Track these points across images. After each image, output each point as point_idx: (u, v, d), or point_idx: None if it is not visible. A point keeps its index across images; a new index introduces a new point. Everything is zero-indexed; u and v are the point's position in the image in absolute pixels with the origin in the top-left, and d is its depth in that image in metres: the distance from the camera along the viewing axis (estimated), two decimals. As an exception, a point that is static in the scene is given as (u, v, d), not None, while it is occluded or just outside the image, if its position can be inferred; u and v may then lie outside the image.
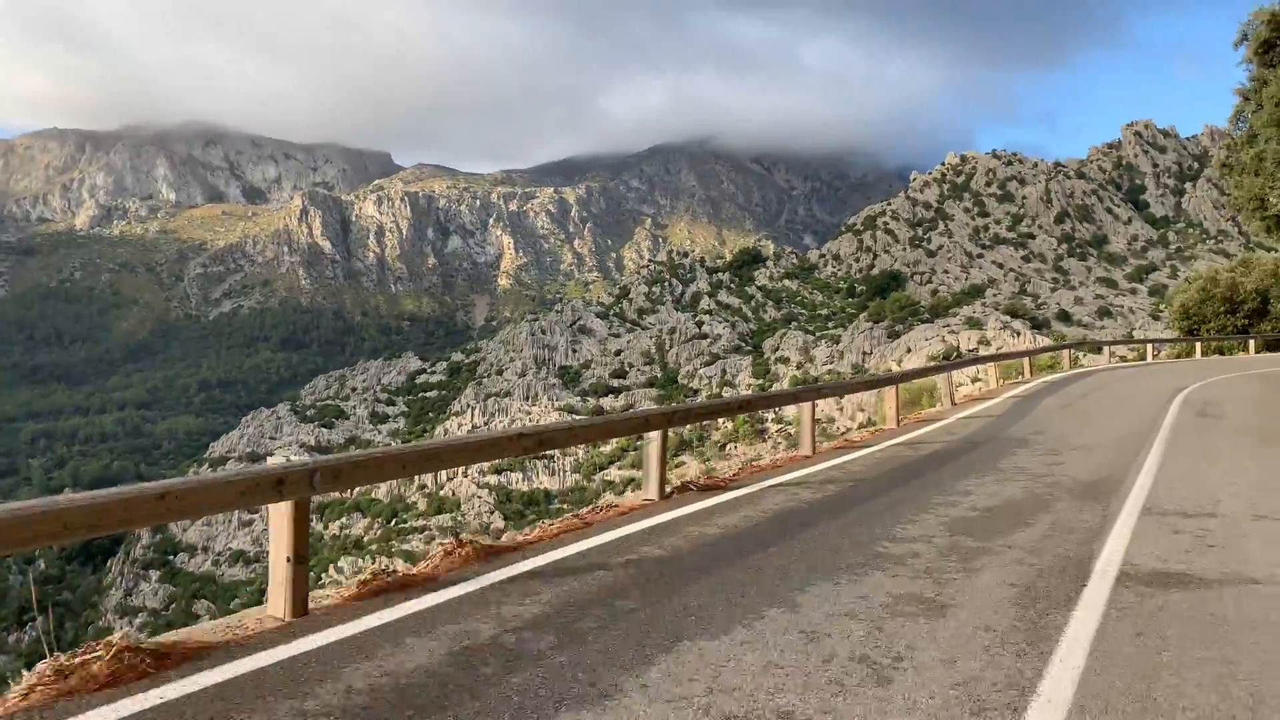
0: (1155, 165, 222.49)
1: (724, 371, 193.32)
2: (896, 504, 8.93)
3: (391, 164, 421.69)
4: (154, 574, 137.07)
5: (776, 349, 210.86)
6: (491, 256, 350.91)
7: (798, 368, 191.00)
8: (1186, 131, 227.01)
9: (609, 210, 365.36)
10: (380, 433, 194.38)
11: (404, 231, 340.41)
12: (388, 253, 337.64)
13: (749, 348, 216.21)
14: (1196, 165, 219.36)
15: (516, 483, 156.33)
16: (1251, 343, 39.66)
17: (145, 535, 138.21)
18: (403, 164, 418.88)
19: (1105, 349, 34.09)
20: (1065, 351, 29.99)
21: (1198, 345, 38.44)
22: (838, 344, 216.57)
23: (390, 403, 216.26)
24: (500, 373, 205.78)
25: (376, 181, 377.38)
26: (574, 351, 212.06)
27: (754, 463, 12.27)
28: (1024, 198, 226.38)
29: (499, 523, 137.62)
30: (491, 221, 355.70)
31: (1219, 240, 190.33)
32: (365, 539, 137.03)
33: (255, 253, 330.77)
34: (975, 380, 35.35)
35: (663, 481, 9.67)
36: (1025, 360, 26.50)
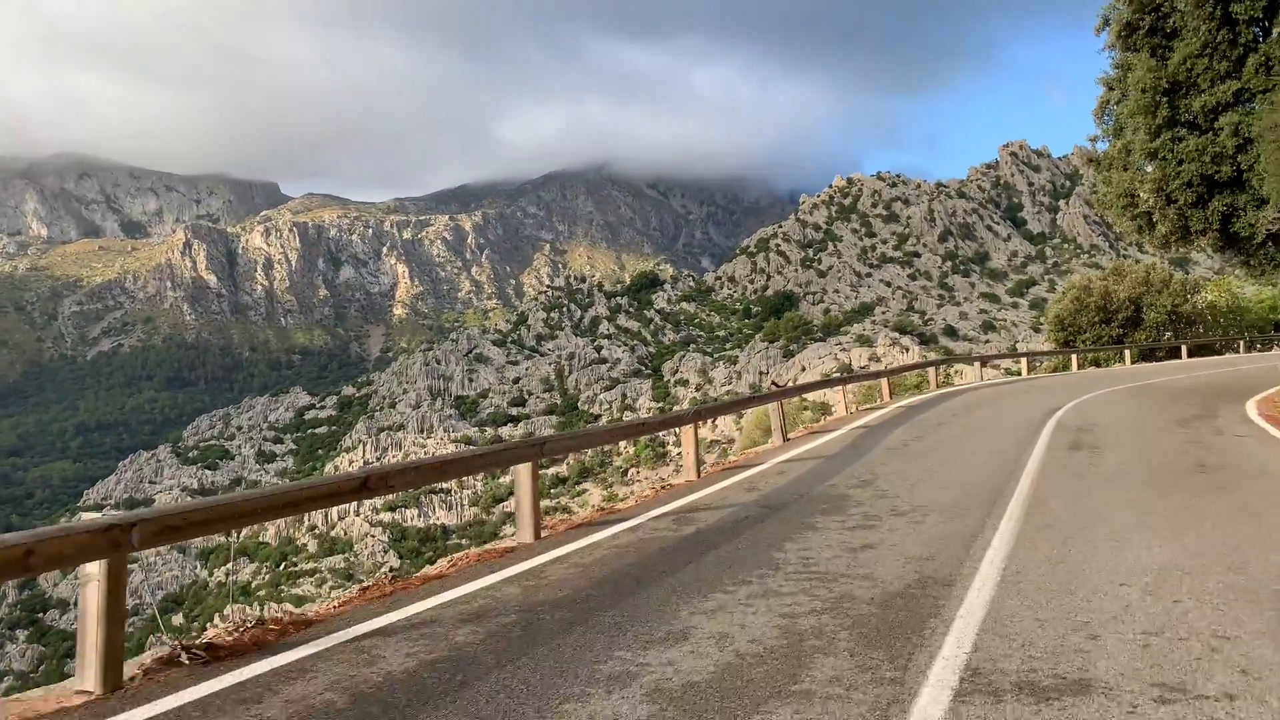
0: (1031, 184, 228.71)
1: (624, 396, 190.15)
2: (510, 689, 4.74)
3: (279, 194, 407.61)
4: (21, 634, 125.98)
5: (676, 371, 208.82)
6: (386, 286, 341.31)
7: (697, 389, 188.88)
8: (1058, 152, 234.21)
9: (507, 237, 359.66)
10: (268, 472, 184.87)
11: (293, 263, 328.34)
12: (277, 285, 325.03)
13: (649, 371, 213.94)
14: (1068, 183, 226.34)
15: (412, 519, 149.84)
16: (1127, 353, 37.53)
17: (11, 592, 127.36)
18: (291, 194, 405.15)
19: (981, 364, 31.15)
20: (931, 370, 26.76)
21: (1074, 358, 36.05)
22: (735, 364, 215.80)
23: (278, 441, 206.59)
24: (393, 406, 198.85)
25: (264, 212, 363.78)
26: (470, 381, 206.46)
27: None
28: (909, 218, 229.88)
29: (394, 561, 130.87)
30: (385, 250, 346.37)
31: (1091, 254, 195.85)
32: (253, 584, 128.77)
33: (136, 289, 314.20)
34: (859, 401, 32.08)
35: (538, 521, 8.65)
36: (884, 381, 23.04)
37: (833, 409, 20.42)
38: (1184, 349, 38.60)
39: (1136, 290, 40.05)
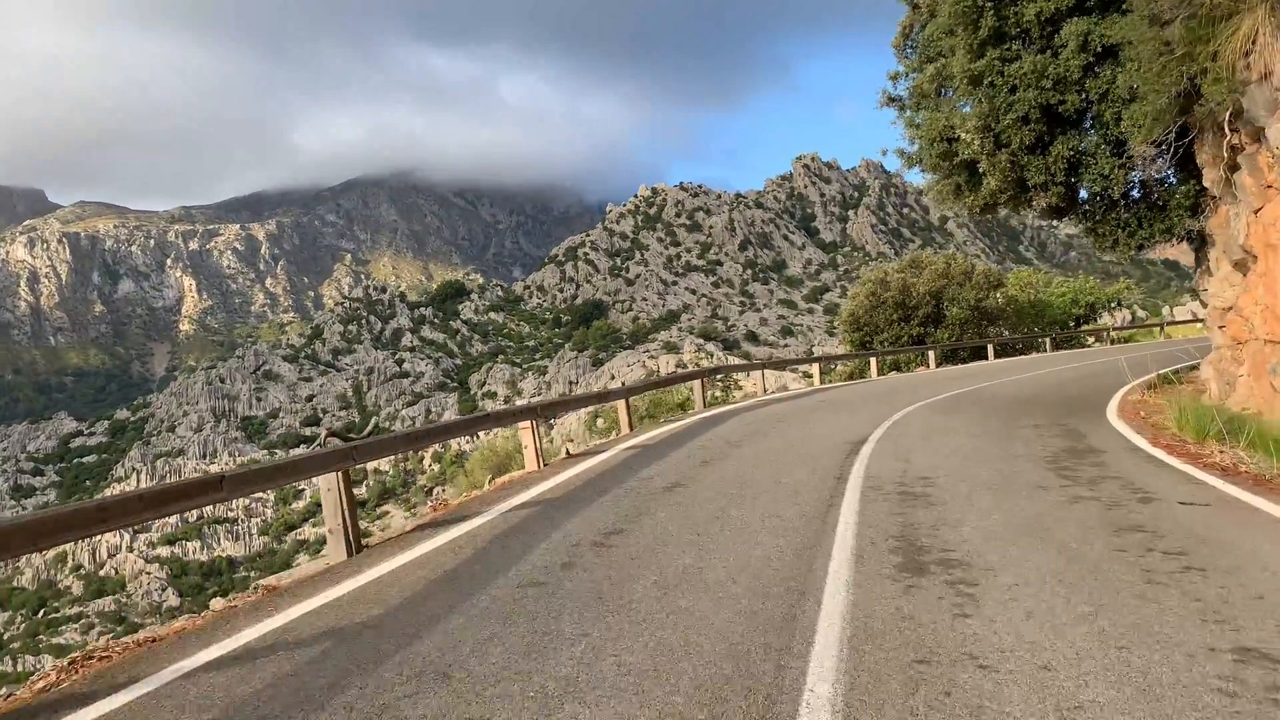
0: (823, 195, 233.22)
1: (429, 411, 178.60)
2: None
3: (46, 202, 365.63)
4: None
5: (483, 384, 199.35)
6: (171, 300, 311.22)
7: (505, 401, 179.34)
8: (847, 165, 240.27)
9: (304, 247, 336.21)
10: (26, 508, 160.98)
11: (63, 277, 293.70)
12: (44, 301, 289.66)
13: (455, 384, 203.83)
14: (856, 194, 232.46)
15: (194, 552, 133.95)
16: (931, 355, 32.00)
17: None
18: (60, 202, 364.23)
19: (764, 372, 23.92)
20: (697, 384, 19.39)
21: (873, 361, 30.04)
22: (545, 375, 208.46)
23: (38, 472, 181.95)
24: (172, 429, 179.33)
25: (28, 222, 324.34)
26: (259, 400, 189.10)
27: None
28: (711, 227, 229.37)
29: (173, 600, 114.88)
30: (169, 262, 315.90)
31: (880, 261, 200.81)
32: (4, 636, 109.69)
33: None
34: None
35: (352, 535, 7.46)
36: (621, 405, 15.23)
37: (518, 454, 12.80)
38: (990, 349, 33.70)
39: (937, 283, 34.94)
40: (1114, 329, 38.71)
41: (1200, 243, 17.88)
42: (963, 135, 16.04)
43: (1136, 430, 13.42)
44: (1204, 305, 19.44)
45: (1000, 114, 15.59)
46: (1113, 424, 14.60)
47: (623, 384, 16.35)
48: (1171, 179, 16.16)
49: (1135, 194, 16.67)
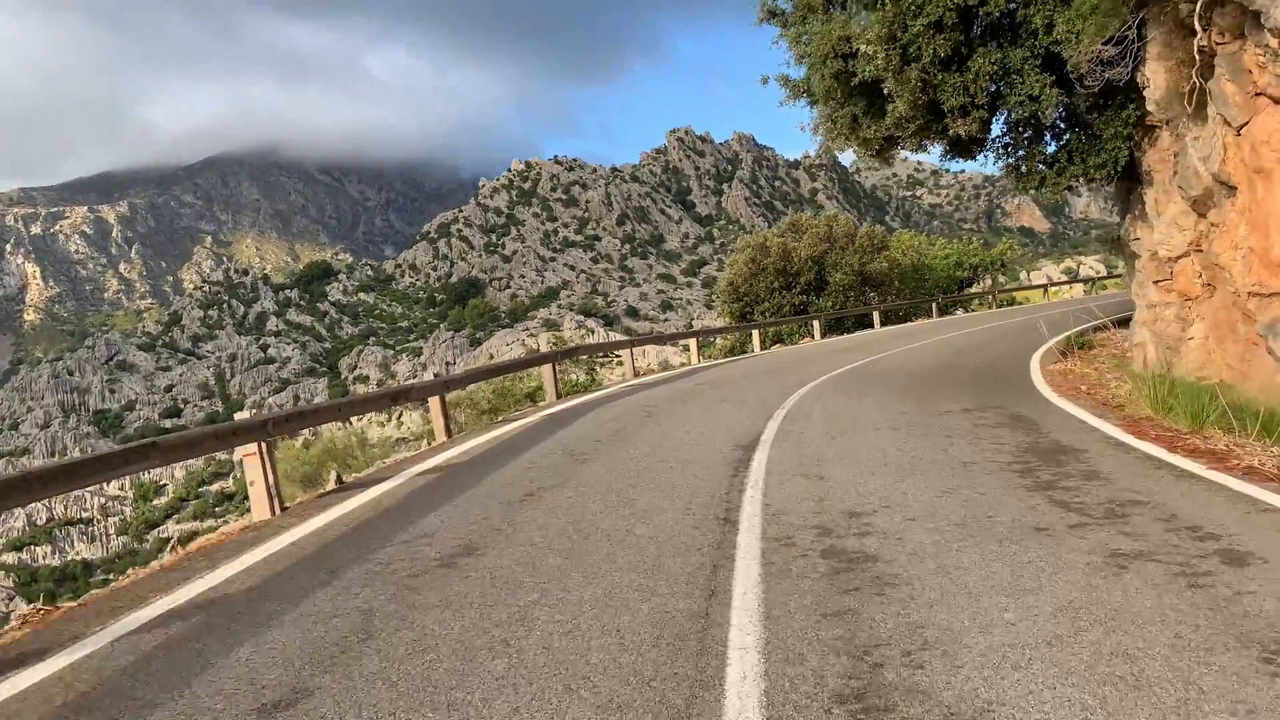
0: (697, 168, 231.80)
1: (297, 397, 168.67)
2: None
3: None
4: None
5: (355, 367, 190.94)
6: (13, 288, 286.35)
7: (378, 385, 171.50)
8: (720, 138, 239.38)
9: (160, 229, 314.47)
10: None
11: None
12: None
13: (324, 368, 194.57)
14: (730, 167, 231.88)
15: (44, 557, 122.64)
16: (815, 325, 29.02)
17: None
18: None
19: (633, 351, 19.71)
20: (548, 368, 15.41)
21: (755, 335, 26.80)
22: (420, 356, 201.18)
23: None
24: (15, 427, 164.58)
25: None
26: (112, 393, 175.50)
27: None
28: (587, 201, 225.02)
29: (23, 608, 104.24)
30: (9, 247, 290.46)
31: (752, 233, 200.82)
32: None
33: None
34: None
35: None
36: (435, 404, 11.05)
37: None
38: (876, 317, 31.05)
39: (819, 248, 32.06)
40: (998, 291, 36.81)
41: (1131, 183, 15.05)
42: (862, 49, 12.54)
43: (1095, 413, 10.31)
44: (1130, 257, 16.75)
45: (908, 19, 12.17)
46: (1056, 404, 11.51)
47: (436, 374, 12.22)
48: (1108, 103, 13.13)
49: (1062, 124, 13.61)
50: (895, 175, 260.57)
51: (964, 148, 16.05)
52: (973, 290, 37.66)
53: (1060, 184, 13.43)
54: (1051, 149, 13.45)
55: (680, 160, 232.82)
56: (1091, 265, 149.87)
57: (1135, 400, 10.97)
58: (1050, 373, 15.37)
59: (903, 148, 15.63)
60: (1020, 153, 13.67)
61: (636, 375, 18.41)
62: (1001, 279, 41.26)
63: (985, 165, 22.42)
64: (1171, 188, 13.37)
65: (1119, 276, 44.40)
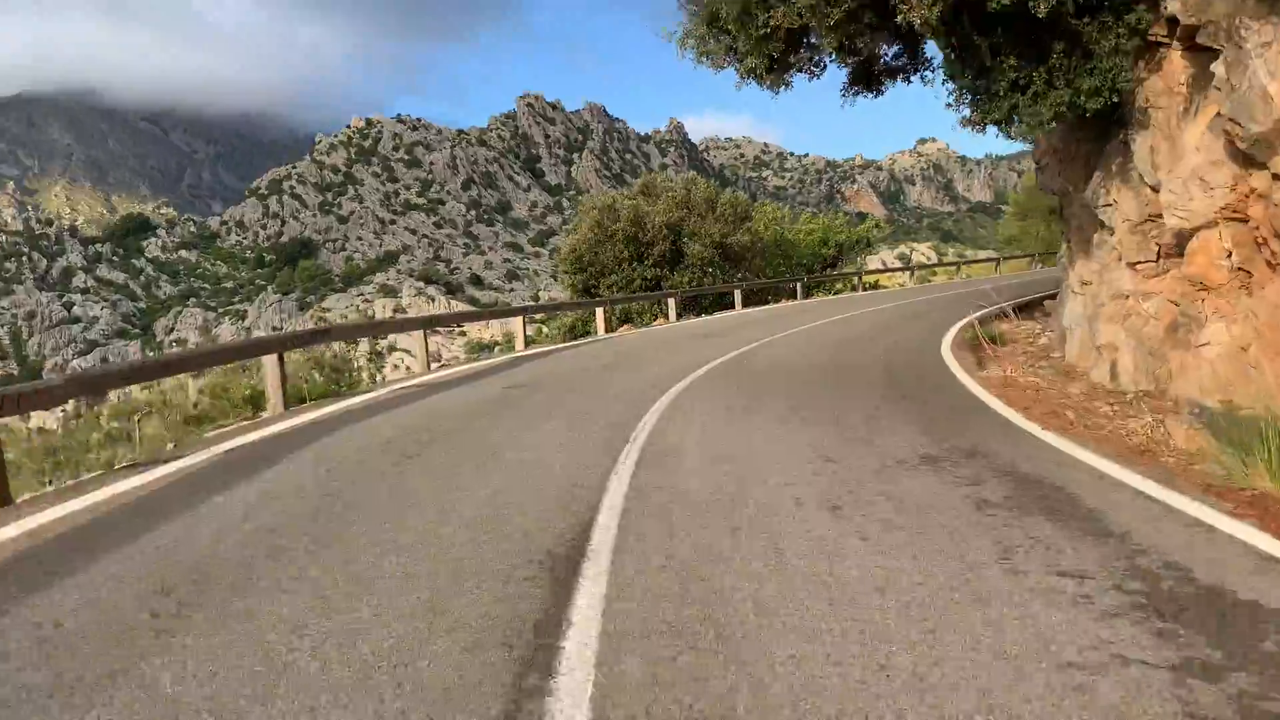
0: (548, 136, 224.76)
1: (106, 360, 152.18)
2: None
3: None
4: None
5: (172, 330, 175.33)
6: None
7: (343, 317, 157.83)
8: (571, 107, 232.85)
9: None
10: None
11: None
12: None
13: (138, 330, 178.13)
14: (580, 137, 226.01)
15: None
16: (671, 303, 24.37)
17: None
18: None
19: (425, 335, 13.84)
20: (269, 362, 9.04)
21: (600, 314, 21.82)
22: (245, 320, 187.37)
23: None
24: None
25: None
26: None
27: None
28: (432, 164, 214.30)
29: None
30: None
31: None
32: None
33: None
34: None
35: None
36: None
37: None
38: (738, 296, 26.83)
39: (675, 214, 27.53)
40: (864, 272, 33.41)
41: (1105, 127, 11.05)
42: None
43: (1155, 477, 6.03)
44: (1078, 230, 12.89)
45: None
46: (1055, 445, 7.21)
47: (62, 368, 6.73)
48: (1103, 3, 8.95)
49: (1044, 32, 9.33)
50: (743, 155, 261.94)
51: (880, 75, 11.68)
52: (839, 271, 34.15)
53: (1038, 116, 9.15)
54: (1026, 70, 9.12)
55: (530, 127, 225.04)
56: (923, 252, 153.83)
57: (1191, 449, 6.82)
58: (988, 382, 11.27)
59: (802, 67, 11.04)
60: (982, 71, 9.31)
61: (430, 369, 13.11)
62: (870, 259, 38.30)
63: (931, 86, 18.33)
64: (1183, 130, 9.34)
65: (952, 265, 42.31)
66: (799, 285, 29.59)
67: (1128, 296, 11.10)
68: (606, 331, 21.20)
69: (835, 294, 32.25)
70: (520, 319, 17.48)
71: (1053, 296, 28.72)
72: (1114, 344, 11.18)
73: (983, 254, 67.59)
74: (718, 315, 24.93)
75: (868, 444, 7.29)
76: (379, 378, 16.83)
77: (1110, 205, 11.24)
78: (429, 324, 13.14)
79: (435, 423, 8.66)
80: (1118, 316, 11.22)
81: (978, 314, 22.11)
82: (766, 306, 27.40)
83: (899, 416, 8.60)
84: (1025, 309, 23.10)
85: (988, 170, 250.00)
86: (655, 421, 8.45)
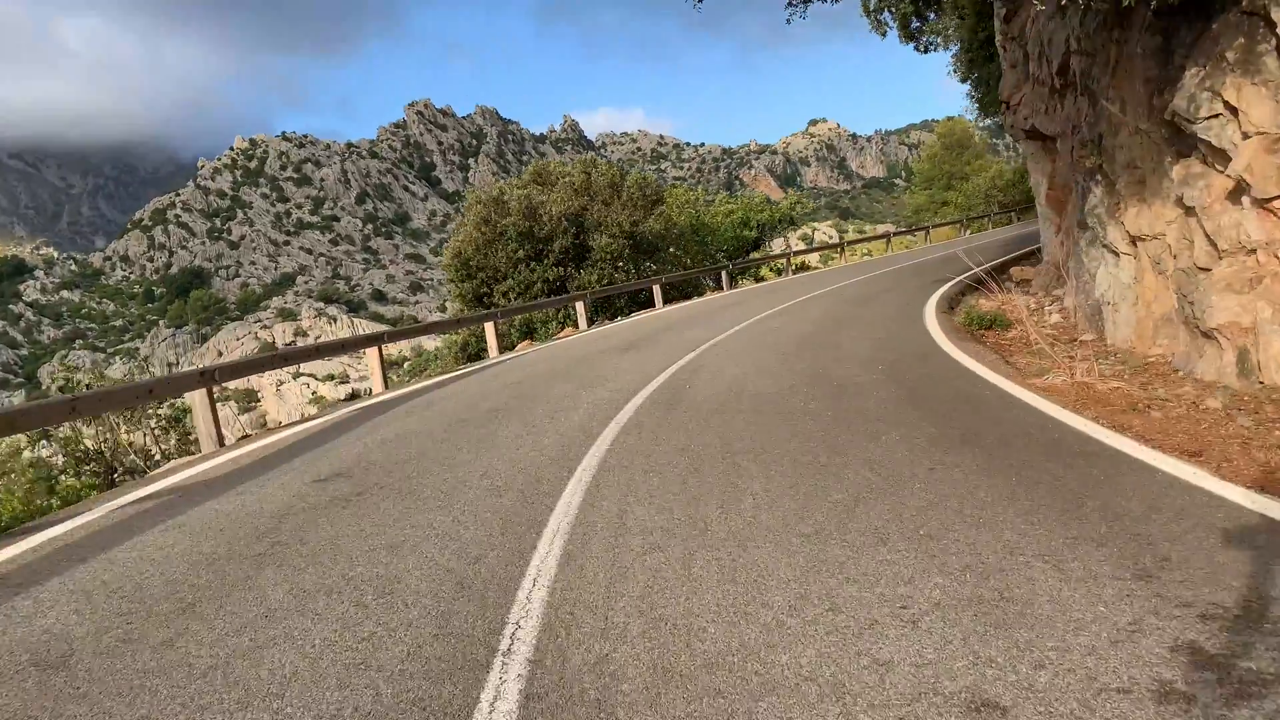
0: (440, 143, 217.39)
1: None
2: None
3: None
4: None
5: (56, 376, 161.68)
6: None
7: (87, 388, 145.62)
8: (462, 111, 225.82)
9: None
10: None
11: None
12: None
13: (20, 379, 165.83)
14: (475, 142, 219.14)
15: None
16: (580, 309, 19.78)
17: None
18: None
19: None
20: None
21: (490, 330, 16.98)
22: (137, 358, 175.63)
23: None
24: None
25: None
26: None
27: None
28: (322, 179, 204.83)
29: None
30: None
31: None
32: None
33: None
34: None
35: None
36: None
37: None
38: (658, 293, 22.44)
39: (575, 202, 23.08)
40: (792, 254, 29.45)
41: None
42: None
43: None
44: (1180, 157, 9.08)
45: None
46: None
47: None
48: None
49: None
50: (640, 149, 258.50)
51: None
52: (766, 254, 30.18)
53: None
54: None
55: (422, 135, 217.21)
56: (825, 231, 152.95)
57: None
58: (1057, 394, 7.32)
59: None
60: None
61: (226, 443, 8.50)
62: (800, 238, 34.65)
63: None
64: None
65: (880, 239, 39.06)
66: (724, 274, 25.49)
67: (1254, 251, 7.27)
68: (501, 352, 16.72)
69: (760, 281, 28.33)
70: (377, 354, 12.76)
71: (1022, 261, 25.33)
72: (1242, 324, 7.32)
73: (900, 227, 64.92)
74: (637, 317, 20.69)
75: (1019, 611, 3.14)
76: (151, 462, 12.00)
77: (1219, 117, 7.36)
78: (205, 381, 8.43)
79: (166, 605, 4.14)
80: (1243, 282, 7.36)
81: (939, 290, 18.48)
82: (691, 302, 23.25)
83: (1000, 496, 4.49)
84: (984, 282, 19.67)
85: (878, 146, 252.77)
86: (554, 576, 4.12)
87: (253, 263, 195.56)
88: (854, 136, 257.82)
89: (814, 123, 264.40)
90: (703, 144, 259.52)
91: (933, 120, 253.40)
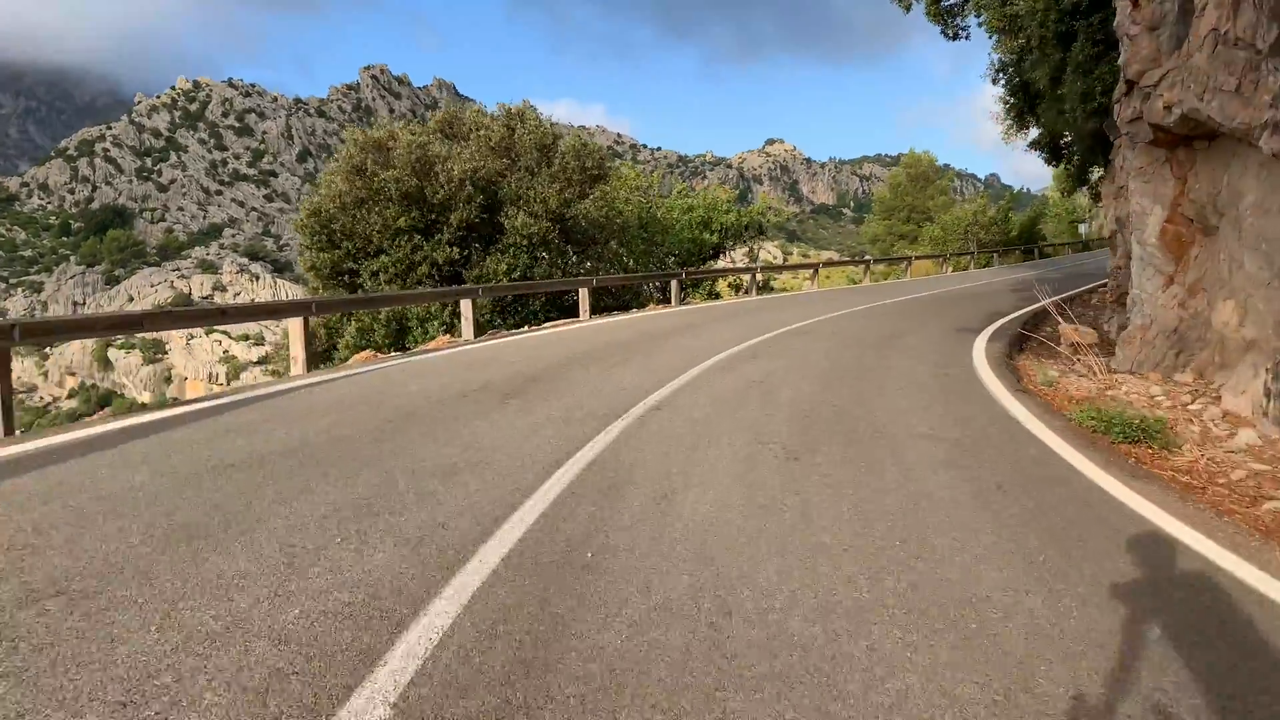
0: (392, 110, 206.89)
1: None
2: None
3: None
4: None
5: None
6: None
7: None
8: (419, 83, 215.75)
9: None
10: None
11: None
12: None
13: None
14: (428, 113, 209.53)
15: None
16: (467, 312, 13.10)
17: None
18: None
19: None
20: None
21: (294, 333, 10.11)
22: (40, 293, 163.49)
23: None
24: None
25: None
26: None
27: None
28: (265, 133, 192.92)
29: None
30: None
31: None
32: None
33: None
34: None
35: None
36: None
37: None
38: (584, 299, 15.45)
39: (490, 163, 16.13)
40: (759, 270, 22.74)
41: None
42: None
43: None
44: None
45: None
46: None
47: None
48: None
49: None
50: (597, 146, 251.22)
51: None
52: (728, 265, 23.67)
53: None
54: None
55: (374, 100, 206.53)
56: (770, 251, 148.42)
57: None
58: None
59: None
60: None
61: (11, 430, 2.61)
62: (767, 251, 28.31)
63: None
64: None
65: (806, 267, 33.18)
66: (674, 284, 18.88)
67: None
68: (308, 370, 9.96)
69: (716, 298, 21.91)
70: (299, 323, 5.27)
71: (1089, 301, 19.54)
72: None
73: (912, 252, 59.51)
74: (552, 330, 14.16)
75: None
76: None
77: None
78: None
79: None
80: None
81: (977, 343, 12.59)
82: (629, 316, 16.74)
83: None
84: (1030, 333, 13.92)
85: (831, 173, 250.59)
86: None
87: (180, 209, 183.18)
88: (808, 161, 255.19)
89: (770, 142, 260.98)
90: (659, 148, 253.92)
91: (886, 155, 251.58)
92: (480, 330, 13.32)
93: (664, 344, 11.83)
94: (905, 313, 16.93)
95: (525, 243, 16.37)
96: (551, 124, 18.34)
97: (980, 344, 12.53)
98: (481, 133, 17.36)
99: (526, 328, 14.89)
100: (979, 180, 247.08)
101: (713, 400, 7.44)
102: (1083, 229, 50.88)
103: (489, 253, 16.61)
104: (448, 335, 13.36)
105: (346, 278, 16.17)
